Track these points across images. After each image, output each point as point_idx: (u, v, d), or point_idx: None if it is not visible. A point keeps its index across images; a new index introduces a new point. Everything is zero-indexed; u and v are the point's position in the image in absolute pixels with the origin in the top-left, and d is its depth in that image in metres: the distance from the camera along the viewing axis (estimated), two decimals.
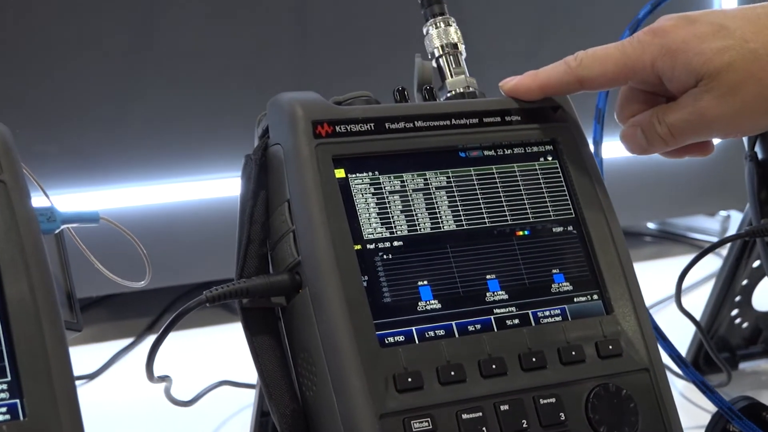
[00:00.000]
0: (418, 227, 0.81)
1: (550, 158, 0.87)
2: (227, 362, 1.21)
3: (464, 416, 0.76)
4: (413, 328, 0.78)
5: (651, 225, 1.88)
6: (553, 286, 0.83)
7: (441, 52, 0.92)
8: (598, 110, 1.05)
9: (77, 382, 1.14)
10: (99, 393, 1.15)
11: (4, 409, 0.65)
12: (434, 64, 0.92)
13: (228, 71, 1.40)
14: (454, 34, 0.93)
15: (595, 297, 0.84)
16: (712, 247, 1.01)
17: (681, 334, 1.10)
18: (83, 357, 1.24)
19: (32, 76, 1.31)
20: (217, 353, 1.29)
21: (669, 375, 0.90)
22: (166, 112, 1.37)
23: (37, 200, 0.74)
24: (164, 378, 0.90)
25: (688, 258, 1.02)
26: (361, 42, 1.49)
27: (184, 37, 1.39)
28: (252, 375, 0.94)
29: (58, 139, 1.30)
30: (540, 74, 0.86)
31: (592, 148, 1.02)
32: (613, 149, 1.71)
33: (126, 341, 1.32)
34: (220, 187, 1.41)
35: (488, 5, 1.59)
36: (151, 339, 1.34)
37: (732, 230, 1.78)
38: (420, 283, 0.80)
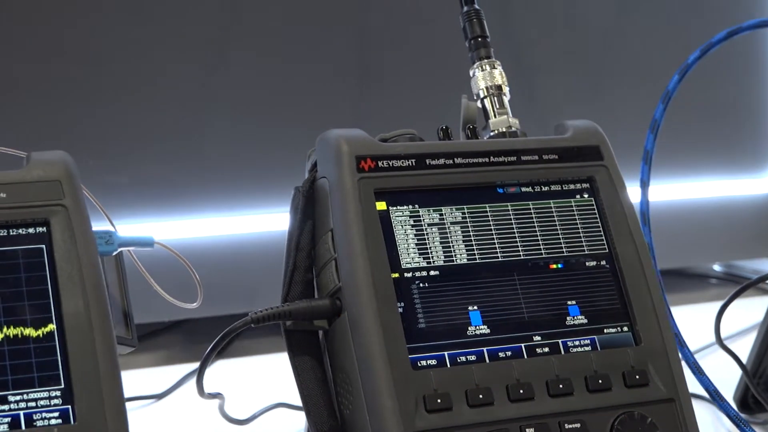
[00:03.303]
0: (454, 258, 0.85)
1: (586, 195, 0.91)
2: (288, 388, 1.25)
3: None
4: (446, 353, 0.82)
5: (717, 267, 1.90)
6: (584, 317, 0.87)
7: (486, 93, 0.97)
8: (646, 152, 1.09)
9: (145, 402, 1.22)
10: (164, 412, 1.20)
11: (56, 414, 0.72)
12: (479, 105, 0.97)
13: (288, 108, 1.46)
14: (499, 76, 0.97)
15: (625, 329, 0.88)
16: (752, 284, 1.03)
17: (737, 373, 1.12)
18: (154, 378, 1.29)
19: (106, 110, 1.39)
20: (279, 379, 1.33)
21: (716, 410, 0.91)
22: (235, 147, 1.44)
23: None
24: (216, 395, 0.96)
25: (752, 301, 1.03)
26: (414, 81, 1.54)
27: (252, 74, 1.45)
28: None
29: (129, 170, 1.38)
30: None
31: (639, 189, 1.06)
32: (679, 190, 1.74)
33: (195, 364, 1.37)
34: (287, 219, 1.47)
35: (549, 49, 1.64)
36: (220, 363, 1.40)
37: None
38: (454, 310, 0.84)
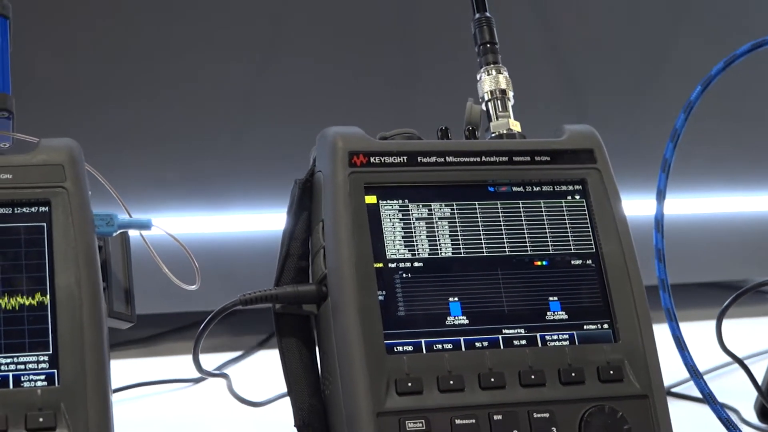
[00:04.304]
0: (439, 251, 0.90)
1: (577, 197, 0.94)
2: None
3: (458, 421, 0.84)
4: (422, 340, 0.86)
5: None
6: (565, 312, 0.90)
7: (490, 97, 1.01)
8: (665, 161, 1.10)
9: (182, 385, 1.29)
10: (196, 396, 1.26)
11: (43, 377, 0.78)
12: (483, 108, 1.01)
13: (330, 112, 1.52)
14: (504, 81, 1.01)
15: (605, 326, 0.91)
16: (751, 288, 1.05)
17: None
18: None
19: (158, 110, 1.46)
20: None
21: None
22: (278, 147, 1.50)
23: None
24: (221, 375, 1.01)
25: None
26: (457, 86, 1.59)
27: (295, 79, 1.51)
28: None
29: (177, 166, 1.45)
30: None
31: (654, 199, 1.08)
32: (736, 203, 1.74)
33: (236, 353, 1.44)
34: None
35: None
36: (261, 354, 1.46)
37: None
38: (434, 301, 0.88)
